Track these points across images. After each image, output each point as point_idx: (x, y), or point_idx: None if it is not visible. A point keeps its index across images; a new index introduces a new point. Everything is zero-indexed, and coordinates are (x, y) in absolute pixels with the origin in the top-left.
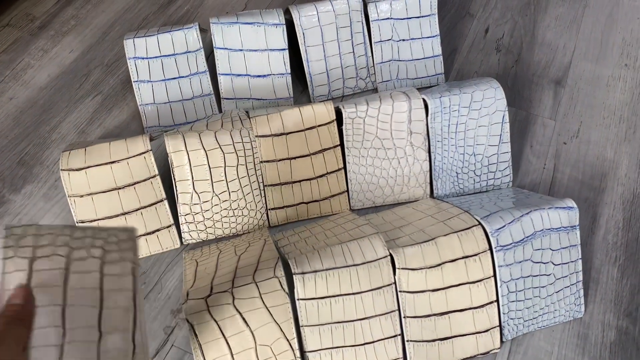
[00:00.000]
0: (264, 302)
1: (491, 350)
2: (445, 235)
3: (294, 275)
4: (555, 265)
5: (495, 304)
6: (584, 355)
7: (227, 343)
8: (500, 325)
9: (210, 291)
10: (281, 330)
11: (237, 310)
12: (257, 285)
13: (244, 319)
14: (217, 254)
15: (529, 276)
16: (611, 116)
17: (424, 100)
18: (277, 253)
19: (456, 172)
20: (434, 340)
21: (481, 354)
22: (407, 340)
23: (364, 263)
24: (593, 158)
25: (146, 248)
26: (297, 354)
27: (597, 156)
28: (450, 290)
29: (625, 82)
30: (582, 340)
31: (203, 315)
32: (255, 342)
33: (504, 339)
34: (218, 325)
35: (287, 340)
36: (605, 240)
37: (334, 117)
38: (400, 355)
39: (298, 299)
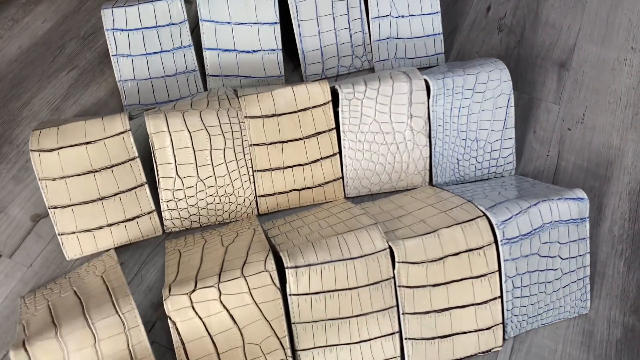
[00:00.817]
0: (253, 298)
1: (493, 349)
2: (448, 227)
3: (286, 269)
4: (563, 259)
5: (499, 300)
6: (589, 353)
7: (213, 341)
8: (503, 323)
9: (194, 286)
10: (271, 327)
11: (224, 306)
12: (246, 280)
13: (231, 316)
14: (202, 244)
15: (535, 271)
16: (617, 101)
17: (426, 82)
18: (267, 244)
19: (457, 159)
20: (433, 338)
21: (482, 352)
22: (406, 338)
23: (361, 256)
24: (598, 145)
25: (125, 235)
26: (288, 352)
27: (603, 143)
28: (452, 286)
29: (631, 66)
30: (587, 338)
31: (186, 312)
32: (243, 341)
33: (506, 337)
34: (203, 322)
35: (278, 338)
36: (611, 232)
37: (330, 98)
38: (398, 354)
39: (290, 295)
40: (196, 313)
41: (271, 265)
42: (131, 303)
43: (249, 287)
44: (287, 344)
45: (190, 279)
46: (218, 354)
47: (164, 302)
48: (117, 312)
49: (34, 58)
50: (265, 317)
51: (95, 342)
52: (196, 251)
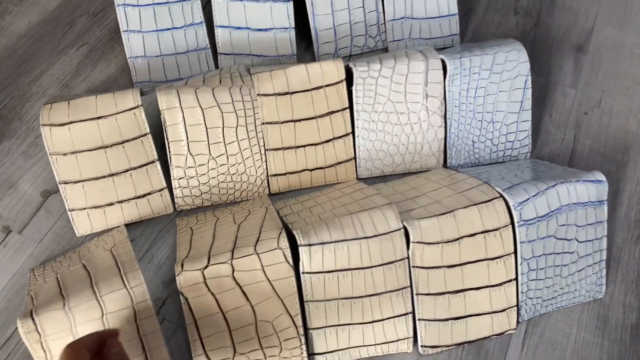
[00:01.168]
0: (266, 275)
1: (506, 331)
2: (464, 207)
3: (299, 247)
4: (580, 242)
5: (514, 282)
6: (604, 337)
7: (225, 319)
8: (517, 305)
9: (207, 262)
10: (284, 305)
11: (237, 283)
12: (259, 257)
13: (244, 293)
14: (214, 222)
15: (551, 253)
16: (635, 86)
17: (443, 61)
18: (280, 223)
19: (472, 141)
20: (447, 320)
21: (496, 335)
22: (419, 319)
23: (375, 236)
24: (615, 130)
25: (136, 212)
26: (301, 331)
27: (620, 128)
28: (467, 267)
29: None
30: (602, 323)
31: (199, 288)
32: (255, 318)
33: (520, 320)
34: (216, 299)
35: (290, 316)
36: (627, 217)
37: (344, 77)
38: (411, 334)
39: (303, 273)
40: (209, 289)
41: (284, 242)
42: (139, 277)
43: (262, 264)
44: (299, 322)
45: (202, 255)
46: (230, 331)
47: (176, 278)
48: (125, 286)
49: (43, 34)
50: (278, 295)
51: (102, 315)
52: (208, 228)
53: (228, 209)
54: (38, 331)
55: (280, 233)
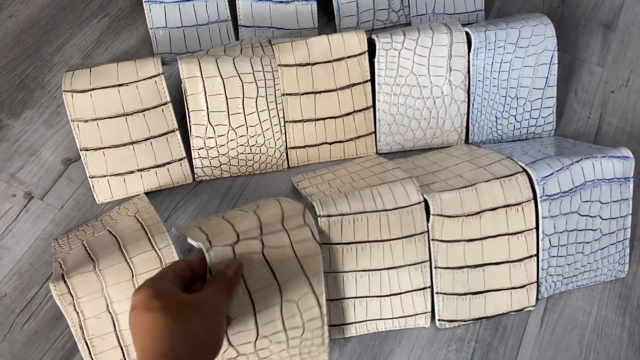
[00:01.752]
0: (295, 252)
1: (525, 308)
2: (486, 181)
3: (318, 218)
4: (603, 219)
5: (535, 258)
6: (625, 317)
7: (251, 299)
8: (537, 282)
9: (237, 237)
10: (310, 284)
11: (266, 261)
12: (287, 233)
13: (272, 271)
14: (220, 217)
15: (573, 230)
16: None
17: (467, 34)
18: (299, 203)
19: (495, 117)
20: (465, 294)
21: (514, 311)
22: (437, 292)
23: (395, 208)
24: None
25: (155, 181)
26: (324, 310)
27: None
28: (487, 241)
29: None
30: (623, 302)
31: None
32: (281, 298)
33: (539, 297)
34: (244, 278)
35: (316, 295)
36: None
37: (366, 48)
38: (429, 309)
39: (321, 244)
40: None
41: (310, 219)
42: (167, 239)
43: (291, 241)
44: (324, 301)
45: (227, 231)
46: (255, 313)
47: (205, 255)
48: (153, 247)
49: (66, 5)
50: (305, 273)
51: (132, 277)
52: (219, 221)
53: (228, 212)
54: (71, 294)
55: (304, 210)
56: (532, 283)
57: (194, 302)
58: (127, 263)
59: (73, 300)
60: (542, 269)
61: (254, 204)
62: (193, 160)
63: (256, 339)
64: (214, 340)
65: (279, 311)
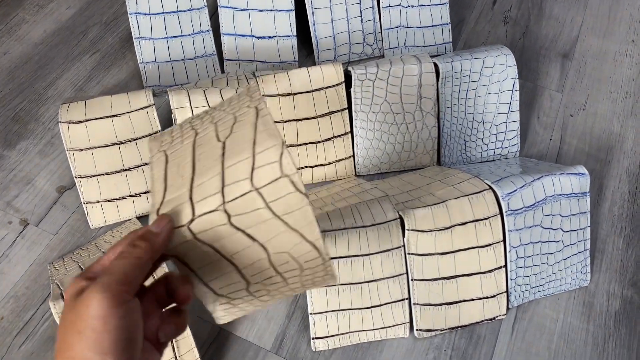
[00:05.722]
0: (273, 212)
1: (497, 317)
2: (455, 198)
3: None
4: (565, 232)
5: (504, 269)
6: (589, 323)
7: (230, 260)
8: (507, 292)
9: (192, 213)
10: (301, 235)
11: (236, 228)
12: (259, 193)
13: (248, 235)
14: (192, 139)
15: (538, 242)
16: (618, 90)
17: (435, 65)
18: (277, 132)
19: (464, 140)
20: (440, 305)
21: (487, 320)
22: (414, 304)
23: (373, 225)
24: (599, 131)
25: (147, 206)
26: (323, 250)
27: (604, 129)
28: (459, 254)
29: (632, 57)
30: (587, 309)
31: (189, 244)
32: (267, 253)
33: (510, 306)
34: (214, 248)
35: (310, 242)
36: (611, 211)
37: (343, 79)
38: (407, 319)
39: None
40: (202, 242)
41: (289, 165)
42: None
43: (265, 201)
44: (320, 244)
45: (183, 202)
46: (239, 269)
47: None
48: None
49: (58, 42)
50: (291, 228)
51: None
52: (186, 152)
53: (209, 115)
54: None
55: (282, 152)
56: (502, 293)
57: (75, 319)
58: None
59: None
60: (511, 279)
61: (230, 115)
62: None
63: (247, 287)
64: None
65: (267, 262)
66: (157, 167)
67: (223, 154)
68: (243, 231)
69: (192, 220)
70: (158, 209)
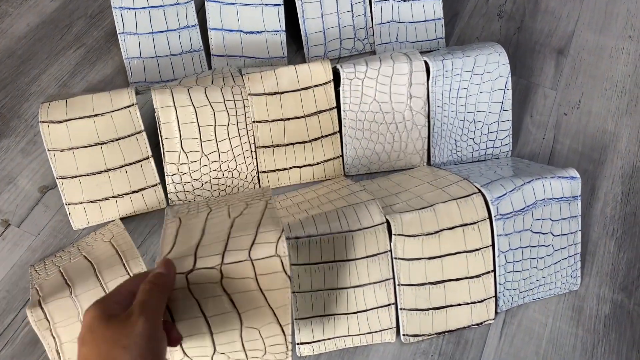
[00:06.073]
0: (258, 285)
1: (485, 321)
2: (444, 202)
3: (287, 240)
4: (555, 236)
5: (492, 274)
6: (578, 327)
7: (207, 322)
8: (495, 296)
9: (193, 264)
10: (275, 315)
11: (224, 290)
12: (253, 265)
13: (231, 300)
14: (205, 214)
15: (527, 246)
16: (613, 88)
17: (426, 63)
18: (280, 223)
19: (455, 140)
20: (427, 309)
21: (475, 325)
22: (401, 309)
23: (359, 229)
24: (593, 130)
25: (130, 207)
26: (289, 339)
27: (598, 128)
28: (446, 259)
29: (628, 54)
30: (576, 313)
31: (181, 292)
32: (241, 324)
33: (498, 310)
34: (198, 303)
35: (280, 325)
36: (603, 213)
37: (332, 77)
38: (394, 324)
39: (290, 265)
40: (192, 294)
41: (283, 249)
42: (141, 264)
43: (255, 273)
44: (288, 331)
45: (188, 255)
46: (212, 334)
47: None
48: (127, 272)
49: (42, 36)
50: (269, 305)
51: None
52: (198, 221)
53: (224, 199)
54: (47, 319)
55: (280, 237)
56: (491, 297)
57: (120, 337)
58: (103, 288)
59: (50, 325)
60: (500, 284)
61: (243, 202)
62: (167, 185)
63: (213, 354)
64: None
65: (238, 334)
66: (170, 228)
67: (231, 227)
68: (228, 295)
69: (191, 271)
70: (165, 257)
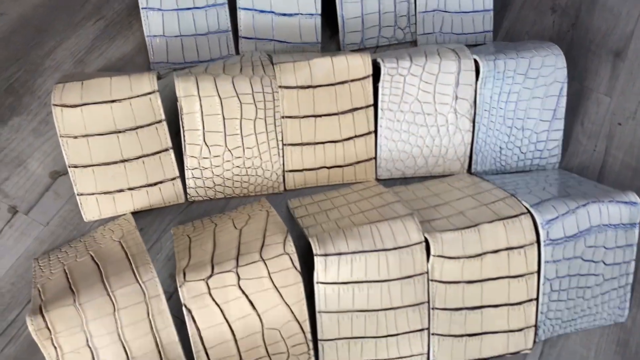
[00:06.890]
0: (273, 282)
1: (522, 351)
2: (489, 222)
3: (315, 257)
4: (607, 265)
5: (535, 302)
6: None
7: (231, 329)
8: (535, 325)
9: (211, 271)
10: (292, 312)
11: (242, 292)
12: (265, 264)
13: (250, 301)
14: (212, 228)
15: (575, 275)
16: None
17: (476, 62)
18: (284, 226)
19: (500, 147)
20: (461, 336)
21: (510, 354)
22: (432, 334)
23: (395, 248)
24: None
25: (146, 200)
26: (309, 336)
27: None
28: (487, 284)
29: None
30: (621, 347)
31: (203, 299)
32: (262, 326)
33: (537, 339)
34: (221, 309)
35: (298, 322)
36: None
37: (371, 72)
38: (426, 351)
39: (317, 282)
40: (213, 300)
41: (290, 247)
42: (152, 271)
43: (268, 271)
44: (307, 327)
45: (205, 264)
46: (236, 341)
47: (179, 290)
48: (137, 280)
49: (59, 4)
50: (285, 302)
51: (114, 311)
52: (207, 235)
53: (226, 215)
54: (48, 328)
55: (286, 237)
56: (531, 326)
57: None
58: (109, 297)
59: (51, 335)
60: (541, 312)
61: (245, 214)
62: (186, 179)
63: None
64: None
65: (261, 338)
66: (181, 245)
67: (240, 235)
68: (247, 296)
69: (210, 276)
70: (184, 269)
